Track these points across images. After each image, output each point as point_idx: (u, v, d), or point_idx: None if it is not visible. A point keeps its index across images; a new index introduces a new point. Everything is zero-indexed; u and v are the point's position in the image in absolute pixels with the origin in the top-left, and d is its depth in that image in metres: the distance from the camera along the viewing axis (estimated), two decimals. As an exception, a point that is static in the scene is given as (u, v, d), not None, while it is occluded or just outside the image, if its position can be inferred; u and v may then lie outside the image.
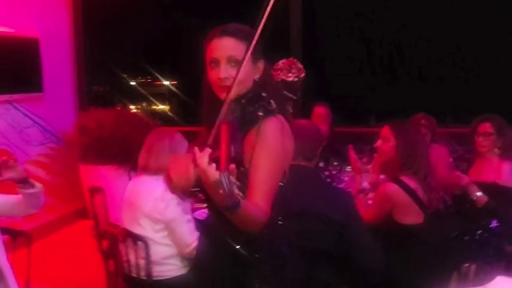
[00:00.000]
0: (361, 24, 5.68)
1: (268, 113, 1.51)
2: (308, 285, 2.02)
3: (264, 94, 1.52)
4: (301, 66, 3.35)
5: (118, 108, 5.07)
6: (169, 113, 7.30)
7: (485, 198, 2.97)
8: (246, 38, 1.49)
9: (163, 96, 7.53)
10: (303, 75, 3.32)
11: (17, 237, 2.56)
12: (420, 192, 2.47)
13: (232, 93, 1.47)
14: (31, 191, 2.20)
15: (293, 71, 3.28)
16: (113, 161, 4.51)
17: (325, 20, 5.79)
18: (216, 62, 1.53)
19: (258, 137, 1.46)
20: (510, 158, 3.18)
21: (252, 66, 1.55)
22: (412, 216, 2.47)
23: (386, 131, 2.62)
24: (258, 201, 1.44)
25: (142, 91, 7.28)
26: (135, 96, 7.06)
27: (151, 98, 7.31)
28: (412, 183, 2.47)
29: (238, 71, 1.43)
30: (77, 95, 5.52)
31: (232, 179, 1.24)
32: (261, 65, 1.60)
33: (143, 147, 2.73)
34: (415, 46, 5.67)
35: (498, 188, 3.06)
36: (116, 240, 2.64)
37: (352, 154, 2.97)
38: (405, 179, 2.48)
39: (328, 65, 5.89)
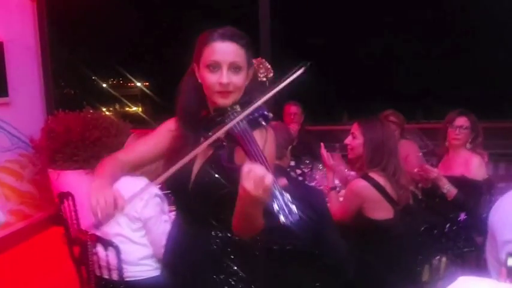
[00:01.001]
0: (330, 21, 5.72)
1: (268, 121, 1.52)
2: (281, 286, 2.02)
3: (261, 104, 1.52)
4: (269, 66, 3.34)
5: (90, 111, 4.96)
6: (142, 115, 7.23)
7: (454, 191, 3.03)
8: (246, 45, 1.54)
9: (136, 97, 7.46)
10: (271, 74, 3.32)
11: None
12: (389, 188, 2.49)
13: (230, 100, 1.50)
14: None
15: (261, 71, 3.27)
16: (83, 165, 4.43)
17: (295, 18, 5.81)
18: (217, 66, 1.51)
19: (264, 146, 1.46)
20: (479, 152, 3.27)
21: (246, 74, 1.56)
22: (382, 212, 2.49)
23: (355, 128, 2.65)
24: None
25: (114, 93, 7.19)
26: (107, 98, 6.97)
27: (124, 100, 7.23)
28: (380, 180, 2.49)
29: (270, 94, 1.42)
30: (44, 98, 5.40)
31: (287, 195, 1.22)
32: (251, 71, 1.61)
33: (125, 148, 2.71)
34: (384, 43, 5.73)
35: (467, 181, 3.12)
36: (86, 247, 2.59)
37: (324, 152, 2.99)
38: (374, 175, 2.50)
39: (299, 63, 5.89)
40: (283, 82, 1.42)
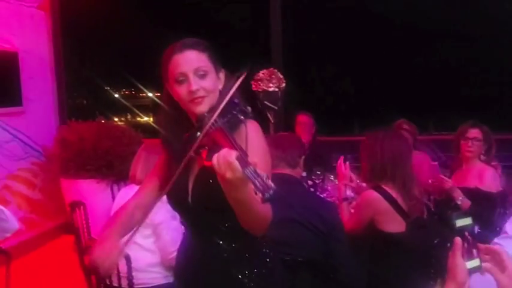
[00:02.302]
0: (340, 32, 5.74)
1: (247, 115, 1.53)
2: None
3: (236, 100, 1.52)
4: (281, 76, 3.36)
5: (102, 121, 5.01)
6: (153, 125, 7.25)
7: (468, 203, 2.99)
8: (206, 49, 1.56)
9: (147, 108, 7.51)
10: (283, 85, 3.34)
11: (-5, 256, 2.51)
12: (401, 201, 2.47)
13: (206, 106, 1.51)
14: None
15: (273, 81, 3.29)
16: (95, 174, 4.46)
17: (306, 28, 5.83)
18: (184, 77, 1.52)
19: (246, 139, 1.48)
20: (492, 164, 3.23)
21: (216, 77, 1.57)
22: (393, 224, 2.46)
23: (364, 140, 2.64)
24: None
25: (126, 103, 7.26)
26: (119, 109, 7.04)
27: (135, 110, 7.28)
28: (392, 192, 2.47)
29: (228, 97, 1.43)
30: (57, 108, 5.46)
31: (259, 171, 1.22)
32: (222, 75, 1.62)
33: (136, 157, 2.75)
34: (395, 53, 5.72)
35: (481, 194, 3.08)
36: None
37: (341, 162, 2.97)
38: (386, 187, 2.48)
39: (310, 74, 5.92)
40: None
